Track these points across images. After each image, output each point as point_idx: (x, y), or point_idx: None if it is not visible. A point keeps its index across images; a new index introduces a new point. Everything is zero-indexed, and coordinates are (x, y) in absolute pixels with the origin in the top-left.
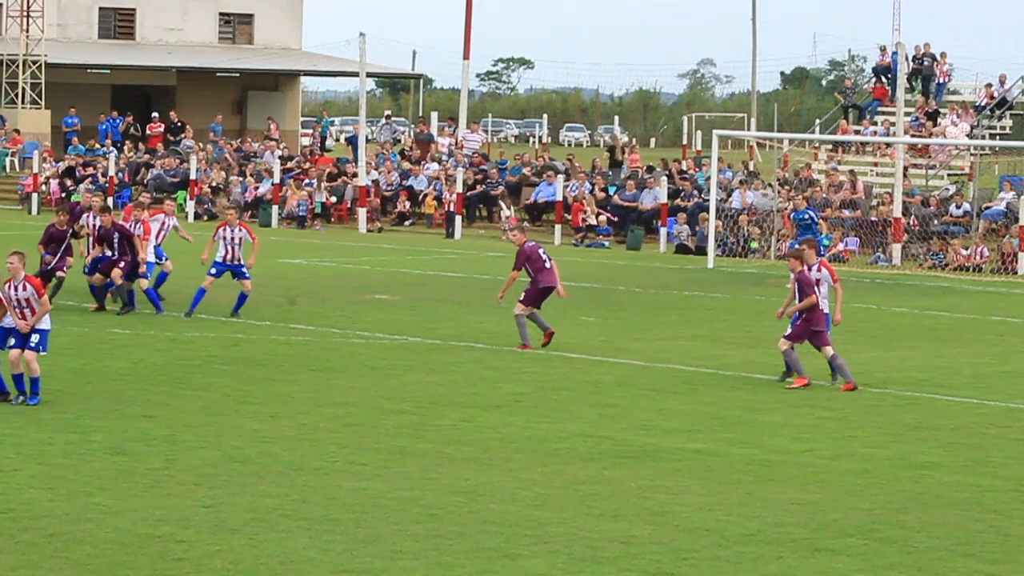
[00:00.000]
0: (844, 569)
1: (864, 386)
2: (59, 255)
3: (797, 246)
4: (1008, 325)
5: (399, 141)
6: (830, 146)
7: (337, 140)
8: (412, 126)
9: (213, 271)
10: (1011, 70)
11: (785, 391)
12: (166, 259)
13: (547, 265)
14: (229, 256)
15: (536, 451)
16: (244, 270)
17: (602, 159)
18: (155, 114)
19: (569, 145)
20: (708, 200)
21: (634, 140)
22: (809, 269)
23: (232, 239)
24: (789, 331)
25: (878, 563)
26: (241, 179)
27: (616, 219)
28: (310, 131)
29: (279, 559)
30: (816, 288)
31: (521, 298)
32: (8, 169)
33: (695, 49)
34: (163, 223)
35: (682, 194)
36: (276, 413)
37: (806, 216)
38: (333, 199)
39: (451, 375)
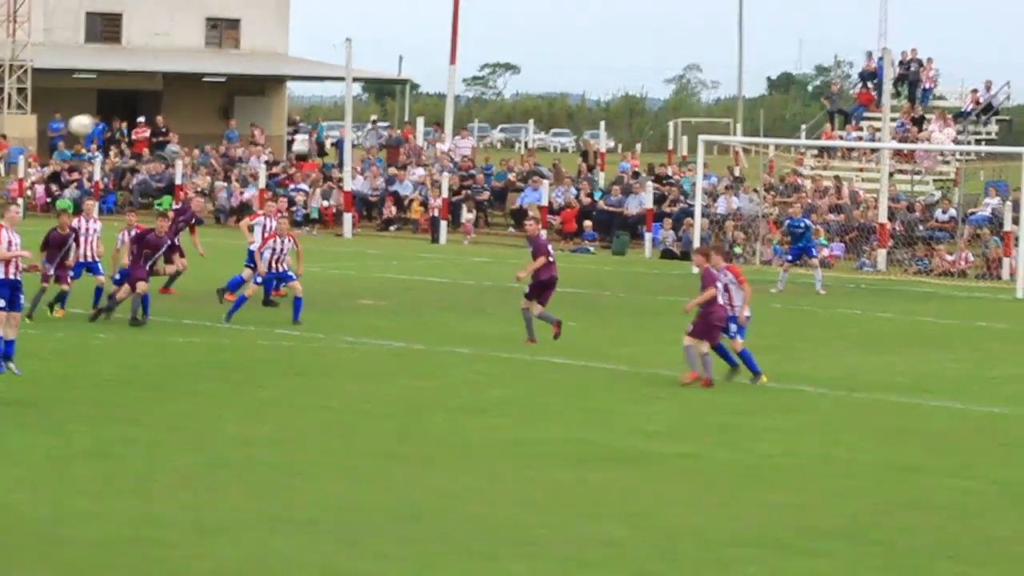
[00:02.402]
0: (827, 572)
1: (848, 390)
2: (58, 261)
3: (707, 248)
4: (992, 330)
5: (385, 146)
6: (815, 151)
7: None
8: (398, 131)
9: (259, 280)
10: (997, 76)
11: (770, 396)
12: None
13: (551, 259)
14: (274, 267)
15: (520, 455)
16: (291, 273)
17: (572, 165)
18: (141, 119)
19: (555, 150)
20: (693, 205)
21: (620, 145)
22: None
23: (282, 250)
24: (691, 328)
25: (861, 566)
26: (226, 184)
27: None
28: (306, 136)
29: (262, 562)
30: (725, 290)
31: (526, 292)
32: None
33: (681, 54)
34: (265, 225)
35: (668, 199)
36: (260, 417)
37: (801, 224)
38: (325, 203)
39: (436, 380)
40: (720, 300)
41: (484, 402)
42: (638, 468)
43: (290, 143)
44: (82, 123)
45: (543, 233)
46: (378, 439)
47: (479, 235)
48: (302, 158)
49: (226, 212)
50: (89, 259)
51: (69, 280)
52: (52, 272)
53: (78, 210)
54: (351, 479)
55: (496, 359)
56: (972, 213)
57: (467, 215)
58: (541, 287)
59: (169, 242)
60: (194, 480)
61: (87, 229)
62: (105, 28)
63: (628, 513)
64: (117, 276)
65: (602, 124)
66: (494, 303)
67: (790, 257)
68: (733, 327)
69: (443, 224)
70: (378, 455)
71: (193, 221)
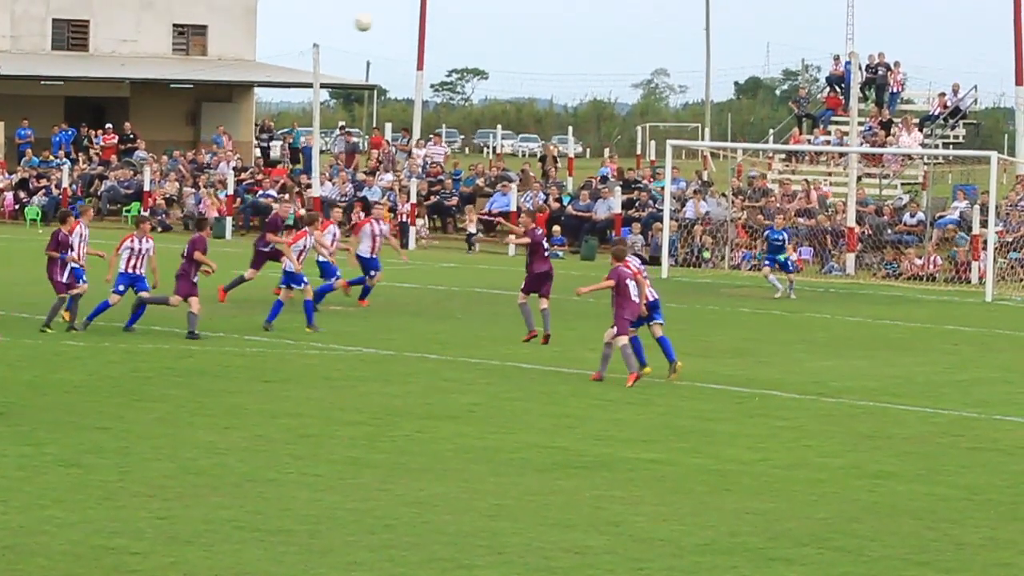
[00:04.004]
0: None
1: (818, 395)
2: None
3: (621, 248)
4: (961, 334)
5: (361, 152)
6: (783, 156)
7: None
8: (366, 136)
9: (307, 281)
10: (964, 79)
11: (739, 401)
12: (376, 273)
13: (545, 254)
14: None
15: (490, 461)
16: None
17: (535, 170)
18: (109, 125)
19: (524, 155)
20: (662, 210)
21: (588, 150)
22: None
23: (307, 247)
24: (615, 328)
25: (832, 572)
26: (194, 191)
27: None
28: (280, 142)
29: (233, 571)
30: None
31: (522, 287)
32: None
33: (649, 59)
34: (373, 231)
35: (636, 204)
36: (230, 424)
37: (780, 237)
38: (301, 212)
39: (405, 386)
40: (633, 297)
41: (453, 409)
42: (609, 475)
43: (266, 150)
44: (363, 22)
45: (538, 230)
46: (348, 446)
47: (447, 240)
48: (272, 164)
49: (194, 218)
50: (79, 265)
51: (81, 283)
52: (64, 279)
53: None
54: (322, 487)
55: (465, 365)
56: (940, 217)
57: (419, 221)
58: (535, 280)
59: (264, 249)
60: (164, 488)
61: (83, 235)
62: (72, 35)
63: (599, 521)
64: (121, 287)
65: (570, 129)
66: (462, 308)
67: (768, 262)
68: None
69: (411, 229)
70: (348, 463)
71: (282, 226)
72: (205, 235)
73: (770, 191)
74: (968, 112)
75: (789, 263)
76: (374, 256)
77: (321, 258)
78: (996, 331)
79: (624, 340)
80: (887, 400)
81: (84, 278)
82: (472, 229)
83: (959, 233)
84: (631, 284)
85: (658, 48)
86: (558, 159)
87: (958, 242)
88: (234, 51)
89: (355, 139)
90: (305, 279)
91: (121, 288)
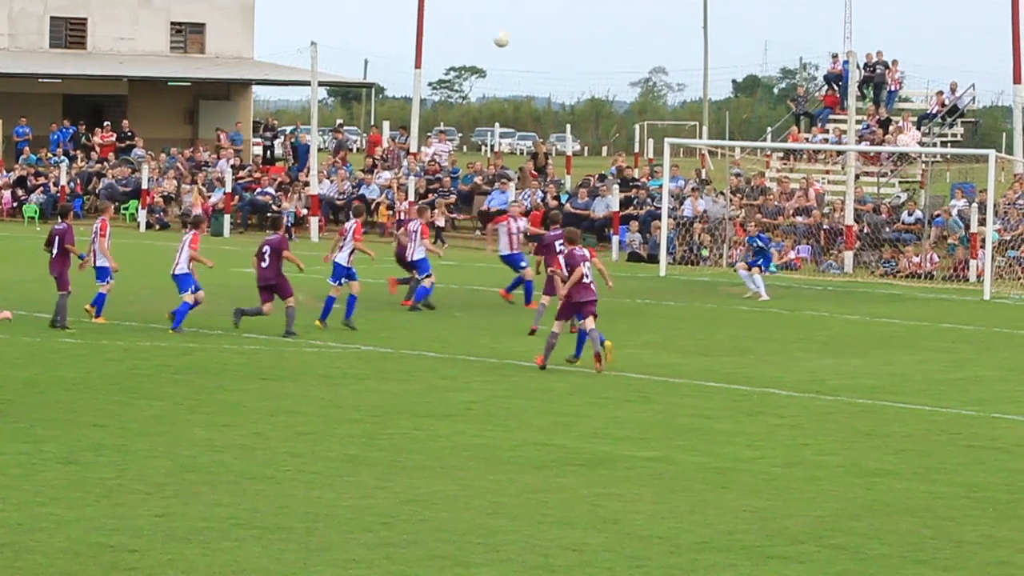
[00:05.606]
0: None
1: (816, 393)
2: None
3: (574, 232)
4: (959, 332)
5: (351, 150)
6: (781, 154)
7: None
8: (364, 135)
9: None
10: (962, 78)
11: (738, 399)
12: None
13: (557, 253)
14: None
15: (488, 459)
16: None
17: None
18: (107, 123)
19: (521, 154)
20: (660, 208)
21: (586, 148)
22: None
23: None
24: (557, 313)
25: (830, 570)
26: (192, 188)
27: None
28: (281, 139)
29: (232, 568)
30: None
31: (544, 289)
32: None
33: (647, 57)
34: (510, 228)
35: (634, 202)
36: (228, 422)
37: (755, 244)
38: (304, 211)
39: (403, 384)
40: (585, 280)
41: (451, 406)
42: (607, 472)
43: (270, 148)
44: (501, 40)
45: (549, 233)
46: (346, 444)
47: (447, 238)
48: (274, 161)
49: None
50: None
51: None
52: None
53: (64, 213)
54: (320, 484)
55: (463, 363)
56: (938, 215)
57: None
58: (553, 281)
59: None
60: (162, 486)
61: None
62: (70, 33)
63: (597, 518)
64: (194, 287)
65: (568, 127)
66: (461, 306)
67: (748, 262)
68: None
69: None
70: (346, 460)
71: (419, 227)
72: (283, 234)
73: (768, 189)
74: (966, 110)
75: (765, 265)
76: (515, 252)
77: (418, 256)
78: (994, 329)
79: (557, 328)
80: (885, 398)
81: (110, 277)
82: (441, 223)
83: (952, 217)
84: (585, 267)
85: (656, 46)
86: (548, 157)
87: (951, 227)
88: (232, 49)
89: (342, 136)
90: (353, 273)
91: (194, 287)
